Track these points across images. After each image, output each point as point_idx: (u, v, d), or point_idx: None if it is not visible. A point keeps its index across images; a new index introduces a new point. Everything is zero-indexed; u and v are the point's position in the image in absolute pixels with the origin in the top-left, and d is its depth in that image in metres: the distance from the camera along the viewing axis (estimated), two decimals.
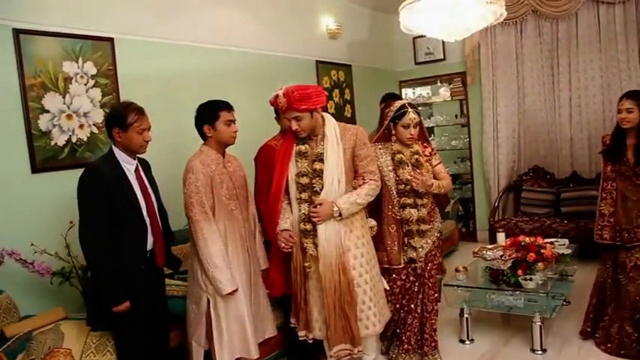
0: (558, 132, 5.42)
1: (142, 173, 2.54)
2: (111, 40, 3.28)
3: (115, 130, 2.46)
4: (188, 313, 2.74)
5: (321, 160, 2.64)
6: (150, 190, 2.53)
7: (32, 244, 2.69)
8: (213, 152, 2.69)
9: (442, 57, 6.23)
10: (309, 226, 2.64)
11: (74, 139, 3.08)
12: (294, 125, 2.60)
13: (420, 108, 5.51)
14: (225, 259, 2.55)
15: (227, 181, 2.69)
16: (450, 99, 6.41)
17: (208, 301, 2.61)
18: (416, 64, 6.43)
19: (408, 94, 6.71)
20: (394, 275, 3.09)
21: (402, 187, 3.02)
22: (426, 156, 3.11)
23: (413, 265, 3.08)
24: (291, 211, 2.74)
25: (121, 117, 2.47)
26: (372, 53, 6.10)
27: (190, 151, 2.76)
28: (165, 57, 3.64)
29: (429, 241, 3.09)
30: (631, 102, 3.05)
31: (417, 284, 3.09)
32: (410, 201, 3.02)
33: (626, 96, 3.11)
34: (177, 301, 2.90)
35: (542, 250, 3.34)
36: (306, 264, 2.67)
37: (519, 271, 3.26)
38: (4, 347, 2.29)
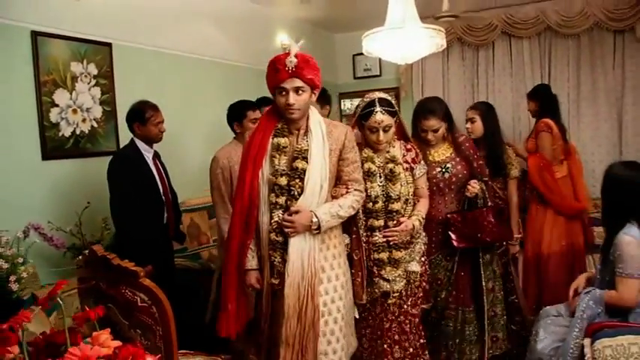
0: None
1: (158, 160, 3.04)
2: (109, 45, 3.70)
3: (135, 124, 2.94)
4: None
5: (305, 159, 2.15)
6: (164, 174, 3.03)
7: (49, 222, 3.07)
8: (239, 146, 3.09)
9: (378, 73, 7.01)
10: (281, 238, 2.15)
11: (78, 132, 3.45)
12: (292, 98, 2.10)
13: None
14: None
15: None
16: None
17: None
18: (354, 78, 7.17)
19: (347, 104, 7.43)
20: (361, 313, 2.47)
21: (369, 205, 2.40)
22: (407, 163, 2.52)
23: (387, 302, 2.45)
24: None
25: (139, 113, 2.97)
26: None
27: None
28: (152, 62, 4.08)
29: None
30: (473, 111, 3.37)
31: (394, 326, 2.47)
32: (379, 223, 2.41)
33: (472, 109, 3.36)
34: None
35: None
36: (274, 281, 2.18)
37: None
38: (40, 307, 2.68)
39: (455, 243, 2.69)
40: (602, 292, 2.18)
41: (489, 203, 2.79)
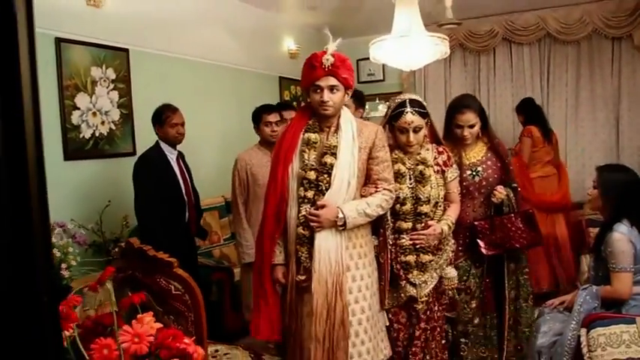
0: None
1: (182, 161, 3.19)
2: (126, 50, 3.86)
3: (156, 126, 3.10)
4: None
5: (334, 154, 2.17)
6: (187, 175, 3.18)
7: (72, 220, 3.21)
8: (261, 149, 3.23)
9: (382, 78, 7.16)
10: (307, 232, 2.17)
11: (97, 134, 3.61)
12: (327, 95, 2.13)
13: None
14: (245, 236, 3.12)
15: (265, 173, 2.93)
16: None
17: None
18: (359, 82, 7.30)
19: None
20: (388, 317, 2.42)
21: (397, 206, 2.37)
22: (438, 165, 2.48)
23: (413, 306, 2.41)
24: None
25: (159, 115, 3.13)
26: None
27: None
28: (167, 67, 4.24)
29: (435, 274, 2.44)
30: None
31: (419, 331, 2.43)
32: (407, 225, 2.38)
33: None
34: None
35: None
36: (301, 277, 2.18)
37: None
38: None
39: (484, 251, 2.64)
40: (599, 288, 2.34)
41: (515, 209, 2.72)
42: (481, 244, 2.65)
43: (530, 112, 4.78)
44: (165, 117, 3.14)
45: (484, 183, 2.73)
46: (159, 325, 1.47)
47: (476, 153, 2.77)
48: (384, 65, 7.00)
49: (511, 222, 2.67)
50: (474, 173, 2.73)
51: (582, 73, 5.95)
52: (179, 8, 4.32)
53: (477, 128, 2.71)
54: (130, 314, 1.64)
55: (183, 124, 3.22)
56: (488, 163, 2.75)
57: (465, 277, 2.72)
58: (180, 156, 3.30)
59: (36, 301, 1.07)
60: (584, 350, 2.03)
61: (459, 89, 6.53)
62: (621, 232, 2.28)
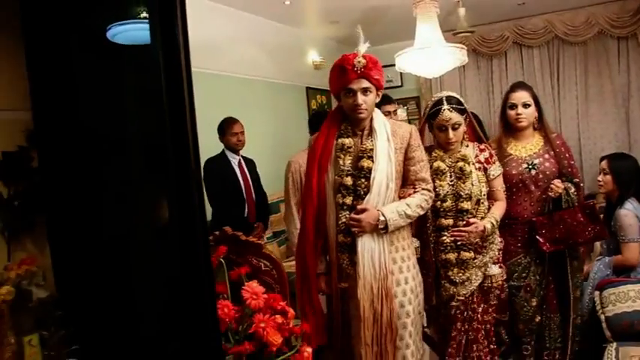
0: None
1: (244, 166, 3.69)
2: None
3: (220, 136, 3.62)
4: None
5: (370, 158, 2.13)
6: (249, 177, 3.66)
7: None
8: None
9: (400, 84, 7.57)
10: (348, 239, 2.17)
11: None
12: (360, 98, 2.09)
13: None
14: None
15: None
16: (406, 119, 7.77)
17: None
18: None
19: None
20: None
21: (438, 203, 2.35)
22: (480, 163, 2.45)
23: (454, 306, 2.40)
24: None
25: (221, 126, 3.65)
26: None
27: None
28: (209, 83, 4.68)
29: (479, 273, 2.40)
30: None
31: (454, 332, 2.40)
32: (448, 222, 2.36)
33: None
34: None
35: None
36: (344, 284, 2.21)
37: None
38: None
39: (544, 247, 2.56)
40: (611, 259, 2.74)
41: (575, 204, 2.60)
42: (541, 240, 2.57)
43: None
44: (225, 128, 3.64)
45: (541, 176, 2.63)
46: (262, 289, 1.89)
47: (533, 146, 2.69)
48: (401, 72, 7.43)
49: (571, 216, 2.56)
50: (530, 166, 2.64)
51: (591, 71, 6.30)
52: (218, 30, 4.76)
53: (532, 110, 2.65)
54: (231, 287, 2.05)
55: (242, 133, 3.71)
56: (546, 156, 2.66)
57: (524, 274, 2.65)
58: (248, 162, 3.80)
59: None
60: (598, 307, 2.44)
61: (474, 92, 6.94)
62: (627, 209, 2.69)
